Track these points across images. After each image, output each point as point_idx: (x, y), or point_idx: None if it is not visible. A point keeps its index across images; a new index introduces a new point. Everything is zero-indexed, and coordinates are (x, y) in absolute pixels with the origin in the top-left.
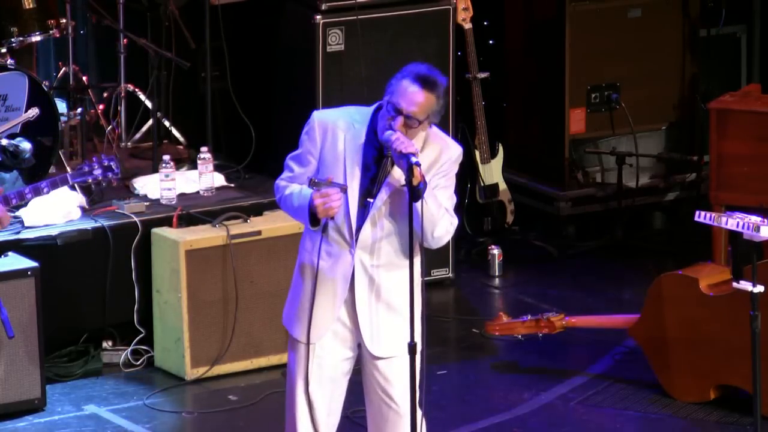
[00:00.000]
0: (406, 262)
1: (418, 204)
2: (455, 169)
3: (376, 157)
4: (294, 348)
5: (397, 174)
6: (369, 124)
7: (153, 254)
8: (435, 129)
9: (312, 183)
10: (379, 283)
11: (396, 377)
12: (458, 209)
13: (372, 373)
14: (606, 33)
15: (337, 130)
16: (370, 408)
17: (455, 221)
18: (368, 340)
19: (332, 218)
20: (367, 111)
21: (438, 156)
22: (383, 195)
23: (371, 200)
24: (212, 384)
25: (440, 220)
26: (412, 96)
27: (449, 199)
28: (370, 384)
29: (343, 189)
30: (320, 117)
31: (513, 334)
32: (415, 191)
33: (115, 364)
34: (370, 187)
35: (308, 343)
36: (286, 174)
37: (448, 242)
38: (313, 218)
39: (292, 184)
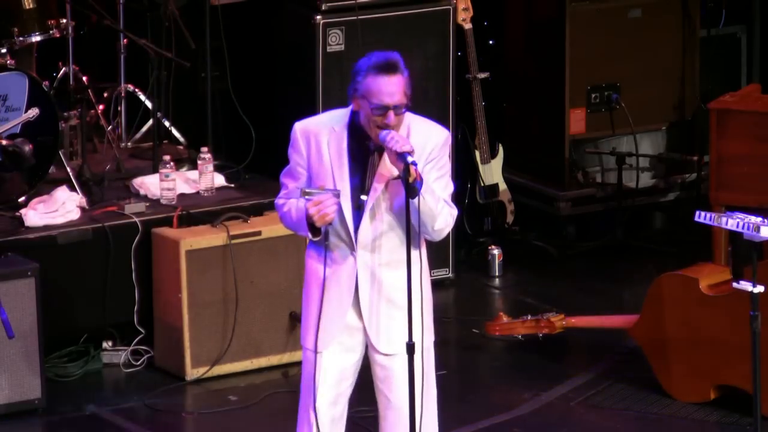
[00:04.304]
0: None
1: (415, 200)
2: (446, 153)
3: (361, 156)
4: (304, 356)
5: (385, 169)
6: (348, 125)
7: (153, 254)
8: (418, 117)
9: (303, 193)
10: (384, 281)
11: (400, 374)
12: (458, 207)
13: (376, 370)
14: (606, 33)
15: (319, 136)
16: (378, 404)
17: (455, 212)
18: (374, 338)
19: (330, 224)
20: (344, 112)
21: (424, 143)
22: (375, 191)
23: (364, 198)
24: (212, 384)
25: (439, 213)
26: (388, 87)
27: (445, 188)
28: (375, 380)
29: (336, 194)
30: (301, 127)
31: (513, 334)
32: (411, 189)
33: (115, 364)
34: (361, 186)
35: (315, 351)
36: (282, 192)
37: (449, 243)
38: (313, 228)
39: (290, 200)
